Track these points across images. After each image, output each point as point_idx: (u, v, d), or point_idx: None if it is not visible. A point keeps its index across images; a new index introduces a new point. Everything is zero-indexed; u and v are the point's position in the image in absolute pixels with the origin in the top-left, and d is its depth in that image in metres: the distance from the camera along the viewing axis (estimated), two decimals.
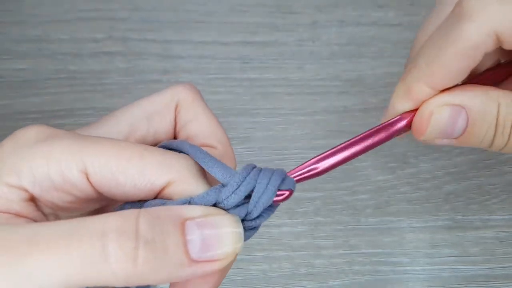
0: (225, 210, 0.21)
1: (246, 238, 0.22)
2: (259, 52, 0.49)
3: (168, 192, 0.21)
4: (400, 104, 0.26)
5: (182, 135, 0.26)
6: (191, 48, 0.49)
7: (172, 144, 0.24)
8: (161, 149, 0.23)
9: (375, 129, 0.25)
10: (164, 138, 0.26)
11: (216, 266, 0.19)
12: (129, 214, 0.19)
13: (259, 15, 0.51)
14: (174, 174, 0.21)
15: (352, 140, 0.24)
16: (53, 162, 0.20)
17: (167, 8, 0.51)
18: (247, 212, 0.21)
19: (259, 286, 0.40)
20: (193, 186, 0.21)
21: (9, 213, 0.20)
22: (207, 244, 0.19)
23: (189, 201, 0.21)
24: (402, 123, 0.25)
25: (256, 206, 0.21)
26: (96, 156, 0.21)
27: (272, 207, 0.22)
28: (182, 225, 0.19)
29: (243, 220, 0.21)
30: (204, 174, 0.23)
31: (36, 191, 0.21)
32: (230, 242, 0.20)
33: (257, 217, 0.22)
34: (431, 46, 0.24)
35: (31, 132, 0.21)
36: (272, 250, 0.41)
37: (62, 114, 0.46)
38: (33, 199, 0.21)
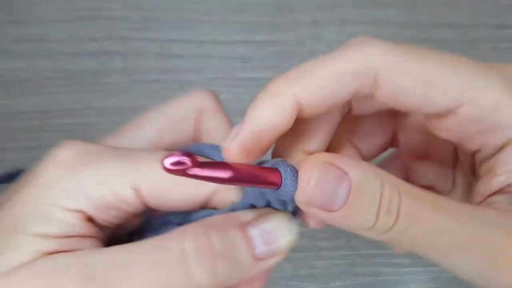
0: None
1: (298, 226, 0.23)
2: (259, 51, 0.49)
3: (214, 201, 0.22)
4: (263, 110, 0.23)
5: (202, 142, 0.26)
6: (191, 48, 0.49)
7: (195, 146, 0.24)
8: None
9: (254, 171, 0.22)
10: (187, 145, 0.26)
11: (279, 257, 0.22)
12: (199, 232, 0.21)
13: (259, 14, 0.51)
14: (215, 187, 0.22)
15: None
16: (107, 185, 0.21)
17: (166, 7, 0.51)
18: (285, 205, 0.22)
19: None
20: (234, 193, 0.23)
21: (75, 236, 0.21)
22: (268, 242, 0.21)
23: (233, 209, 0.22)
24: (275, 177, 0.22)
25: (287, 194, 0.22)
26: (147, 174, 0.21)
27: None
28: (245, 232, 0.21)
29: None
30: None
31: (91, 212, 0.21)
32: (286, 236, 0.22)
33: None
34: (306, 64, 0.23)
35: (72, 151, 0.22)
36: None
37: (61, 113, 0.46)
38: (90, 218, 0.21)
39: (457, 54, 0.23)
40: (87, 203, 0.21)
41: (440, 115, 0.23)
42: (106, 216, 0.22)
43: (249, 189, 0.22)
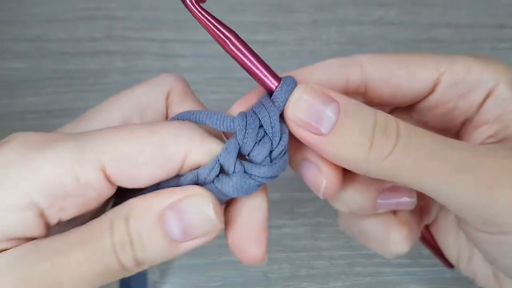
0: (250, 152, 0.22)
1: (282, 166, 0.22)
2: (259, 51, 0.48)
3: (187, 166, 0.21)
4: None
5: None
6: (190, 47, 0.49)
7: (188, 114, 0.24)
8: (165, 121, 0.23)
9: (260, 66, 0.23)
10: None
11: (204, 240, 0.21)
12: (119, 220, 0.20)
13: (259, 14, 0.51)
14: (189, 140, 0.21)
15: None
16: (64, 168, 0.20)
17: (166, 7, 0.51)
18: (271, 142, 0.22)
19: (259, 287, 0.40)
20: (208, 146, 0.21)
21: (25, 238, 0.20)
22: (187, 227, 0.21)
23: (201, 172, 0.21)
24: (273, 83, 0.23)
25: (273, 129, 0.22)
26: (109, 147, 0.20)
27: (284, 126, 0.22)
28: (161, 217, 0.20)
29: (271, 152, 0.22)
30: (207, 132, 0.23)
31: (47, 202, 0.20)
32: (204, 220, 0.21)
33: (280, 140, 0.22)
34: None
35: (22, 139, 0.20)
36: (272, 251, 0.41)
37: (61, 113, 0.45)
38: (42, 214, 0.20)
39: (457, 54, 0.25)
40: (42, 194, 0.20)
41: (426, 91, 0.25)
42: (61, 205, 0.20)
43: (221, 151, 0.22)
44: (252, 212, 0.23)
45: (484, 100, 0.25)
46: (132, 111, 0.24)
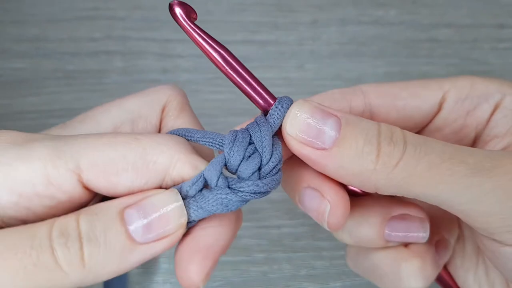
0: (237, 168, 0.21)
1: (271, 184, 0.21)
2: (259, 51, 0.49)
3: (170, 179, 0.20)
4: None
5: None
6: (191, 47, 0.49)
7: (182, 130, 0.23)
8: (152, 133, 0.22)
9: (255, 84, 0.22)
10: None
11: (166, 243, 0.20)
12: (70, 216, 0.19)
13: (259, 14, 0.51)
14: (175, 152, 0.20)
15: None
16: (35, 167, 0.19)
17: (166, 7, 0.50)
18: (261, 159, 0.21)
19: (259, 287, 0.40)
20: (195, 162, 0.21)
21: None
22: (150, 226, 0.19)
23: (201, 179, 0.20)
24: (268, 102, 0.22)
25: (263, 144, 0.21)
26: (89, 150, 0.19)
27: (277, 143, 0.22)
28: (121, 214, 0.19)
29: (259, 169, 0.21)
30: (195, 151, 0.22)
31: (12, 199, 0.19)
32: (172, 218, 0.20)
33: (271, 156, 0.21)
34: None
35: (4, 136, 0.20)
36: (272, 251, 0.41)
37: (61, 113, 0.45)
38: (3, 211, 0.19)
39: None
40: (9, 191, 0.19)
41: (433, 111, 0.25)
42: (28, 205, 0.19)
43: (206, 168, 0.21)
44: (211, 235, 0.21)
45: (492, 114, 0.25)
46: (123, 120, 0.23)
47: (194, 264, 0.20)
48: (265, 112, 0.22)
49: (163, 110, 0.24)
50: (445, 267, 0.29)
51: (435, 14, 0.52)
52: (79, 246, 0.18)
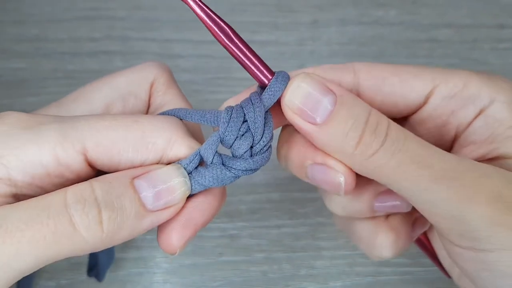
0: (231, 145, 0.22)
1: (261, 161, 0.23)
2: (259, 51, 0.48)
3: (166, 159, 0.22)
4: None
5: None
6: (190, 48, 0.49)
7: (180, 111, 0.24)
8: (150, 115, 0.23)
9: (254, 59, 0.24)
10: None
11: (171, 211, 0.21)
12: (83, 185, 0.20)
13: (259, 14, 0.51)
14: (171, 134, 0.22)
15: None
16: (46, 149, 0.20)
17: (166, 7, 0.51)
18: (253, 138, 0.22)
19: (259, 287, 0.40)
20: (190, 143, 0.22)
21: None
22: (159, 194, 0.21)
23: (196, 157, 0.22)
24: (266, 76, 0.23)
25: (256, 125, 0.22)
26: (92, 131, 0.21)
27: (269, 120, 0.23)
28: (132, 184, 0.20)
29: (252, 147, 0.22)
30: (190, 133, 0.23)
31: (26, 180, 0.20)
32: (178, 189, 0.21)
33: (262, 136, 0.23)
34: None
35: (12, 119, 0.21)
36: (272, 251, 0.41)
37: None
38: (16, 195, 0.20)
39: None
40: (21, 171, 0.20)
41: (418, 103, 0.25)
42: (40, 184, 0.20)
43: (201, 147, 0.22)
44: (197, 208, 0.23)
45: (474, 119, 0.24)
46: (114, 98, 0.25)
47: (176, 232, 0.22)
48: (263, 86, 0.23)
49: (151, 87, 0.25)
50: (425, 233, 0.31)
51: (435, 14, 0.52)
52: (97, 211, 0.19)
